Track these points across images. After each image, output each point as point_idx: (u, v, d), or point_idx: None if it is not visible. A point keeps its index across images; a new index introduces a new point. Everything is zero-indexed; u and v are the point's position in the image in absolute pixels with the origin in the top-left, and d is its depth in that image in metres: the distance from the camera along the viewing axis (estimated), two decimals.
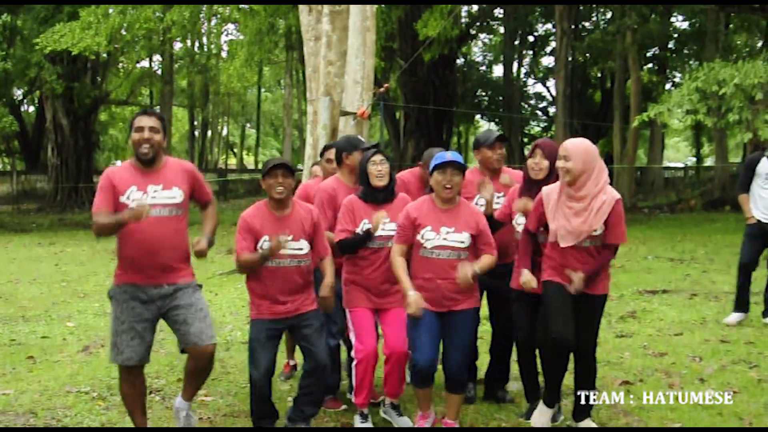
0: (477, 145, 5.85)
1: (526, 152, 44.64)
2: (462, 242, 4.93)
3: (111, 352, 4.75)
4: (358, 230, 5.22)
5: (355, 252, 5.25)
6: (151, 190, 4.66)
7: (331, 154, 6.07)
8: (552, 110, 41.97)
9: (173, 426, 5.15)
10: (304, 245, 4.99)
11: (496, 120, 42.11)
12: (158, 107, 41.27)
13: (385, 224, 5.21)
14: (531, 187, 5.31)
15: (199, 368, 4.84)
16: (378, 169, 5.24)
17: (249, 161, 58.88)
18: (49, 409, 5.77)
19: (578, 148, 4.87)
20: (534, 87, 46.86)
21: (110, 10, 20.67)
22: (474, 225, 4.97)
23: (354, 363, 5.24)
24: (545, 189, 5.06)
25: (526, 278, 4.99)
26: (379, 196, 5.28)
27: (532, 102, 46.94)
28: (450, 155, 4.88)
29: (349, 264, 5.32)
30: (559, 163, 4.89)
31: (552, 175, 5.25)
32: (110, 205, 4.64)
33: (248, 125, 58.28)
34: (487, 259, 4.98)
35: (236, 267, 5.05)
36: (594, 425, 5.14)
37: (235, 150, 59.09)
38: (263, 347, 4.92)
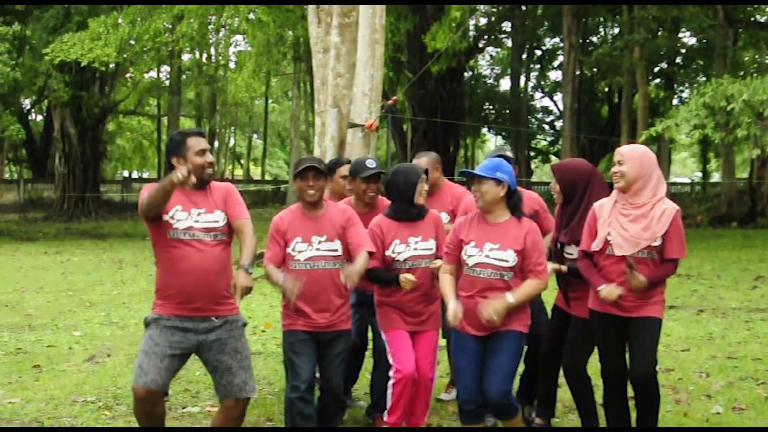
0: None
1: (533, 166, 44.62)
2: (505, 261, 4.60)
3: (135, 374, 4.38)
4: (390, 252, 5.03)
5: (383, 284, 5.10)
6: (195, 213, 4.41)
7: (345, 170, 5.83)
8: (559, 124, 42.06)
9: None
10: (338, 246, 4.85)
11: (503, 133, 42.15)
12: (166, 118, 41.46)
13: (416, 243, 5.06)
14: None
15: (229, 420, 4.54)
16: (425, 188, 5.11)
17: (255, 172, 58.95)
18: (55, 418, 5.76)
19: (633, 153, 4.69)
20: (541, 101, 47.06)
21: (120, 21, 20.78)
22: (522, 241, 4.61)
23: (391, 382, 5.05)
24: (597, 203, 4.84)
25: (605, 292, 4.61)
26: (413, 213, 5.08)
27: (539, 116, 47.08)
28: (481, 167, 4.68)
29: (381, 287, 5.15)
30: (613, 168, 4.72)
31: (569, 200, 5.08)
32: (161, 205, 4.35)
33: (255, 136, 58.44)
34: (528, 286, 4.63)
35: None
36: None
37: (242, 161, 59.19)
38: (301, 356, 4.77)
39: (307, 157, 4.98)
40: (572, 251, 5.04)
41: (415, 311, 5.10)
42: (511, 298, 4.55)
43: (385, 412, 5.13)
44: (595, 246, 4.71)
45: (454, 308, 4.62)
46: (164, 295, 4.43)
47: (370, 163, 5.49)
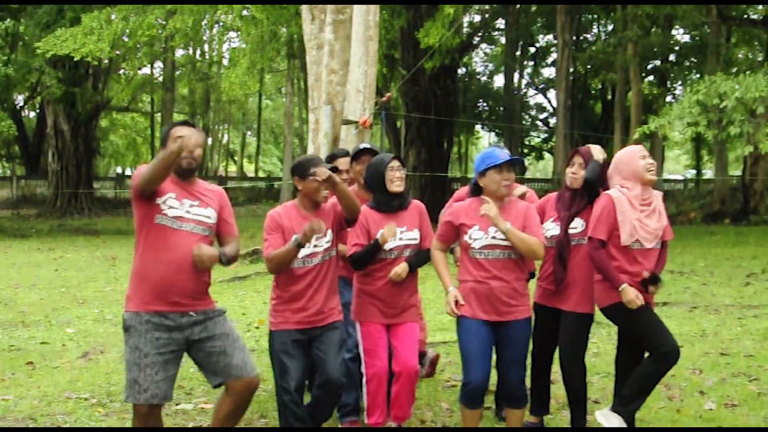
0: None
1: (527, 163, 44.50)
2: None
3: (128, 390, 4.20)
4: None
5: (367, 265, 5.06)
6: (187, 204, 4.37)
7: (343, 164, 5.79)
8: (552, 121, 42.10)
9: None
10: (330, 239, 4.85)
11: (497, 130, 42.17)
12: (159, 114, 41.39)
13: (402, 233, 5.08)
14: (567, 195, 5.21)
15: (239, 405, 4.42)
16: (396, 175, 5.09)
17: (249, 169, 58.89)
18: (49, 415, 5.76)
19: None
20: (535, 98, 47.15)
21: (113, 16, 20.72)
22: (522, 221, 4.75)
23: (365, 380, 5.01)
24: (615, 195, 4.87)
25: (630, 296, 4.69)
26: (394, 204, 5.11)
27: (533, 113, 47.16)
28: (505, 155, 4.74)
29: (362, 274, 5.12)
30: (649, 160, 4.90)
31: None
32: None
33: (249, 133, 58.34)
34: (528, 237, 4.68)
35: (268, 268, 4.76)
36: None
37: (236, 158, 59.11)
38: (292, 357, 4.68)
39: (315, 156, 5.00)
40: (576, 225, 5.14)
41: (394, 303, 5.08)
42: (508, 225, 4.64)
43: (364, 413, 5.08)
44: (626, 242, 4.81)
45: (454, 293, 4.71)
46: (141, 283, 4.28)
47: (363, 145, 5.66)
